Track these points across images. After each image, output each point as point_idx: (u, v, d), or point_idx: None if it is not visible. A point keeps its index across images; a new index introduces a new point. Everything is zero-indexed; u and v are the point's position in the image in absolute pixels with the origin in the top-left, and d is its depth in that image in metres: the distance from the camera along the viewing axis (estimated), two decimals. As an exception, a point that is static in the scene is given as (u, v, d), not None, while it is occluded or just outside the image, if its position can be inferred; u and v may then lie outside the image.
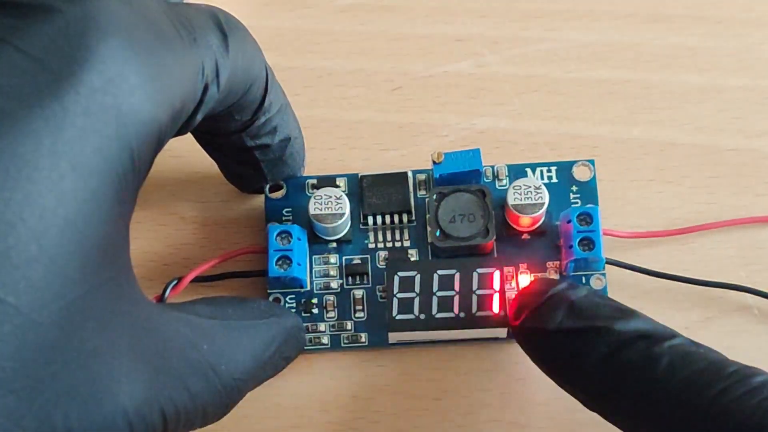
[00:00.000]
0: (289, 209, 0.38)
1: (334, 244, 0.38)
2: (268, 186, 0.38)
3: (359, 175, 0.38)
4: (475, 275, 0.36)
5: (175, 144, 0.32)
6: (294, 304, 0.37)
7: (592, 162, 0.38)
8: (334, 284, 0.37)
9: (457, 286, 0.35)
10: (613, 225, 0.38)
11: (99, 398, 0.25)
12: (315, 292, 0.37)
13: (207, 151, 0.36)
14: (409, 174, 0.38)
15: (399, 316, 0.35)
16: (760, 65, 0.41)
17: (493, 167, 0.39)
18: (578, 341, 0.31)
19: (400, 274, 0.36)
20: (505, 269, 0.37)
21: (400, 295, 0.35)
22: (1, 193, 0.23)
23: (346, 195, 0.37)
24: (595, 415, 0.31)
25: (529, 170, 0.39)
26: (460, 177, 0.37)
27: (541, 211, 0.36)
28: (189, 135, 0.33)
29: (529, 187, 0.36)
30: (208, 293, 0.37)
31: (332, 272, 0.37)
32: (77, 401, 0.25)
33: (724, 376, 0.28)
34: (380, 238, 0.38)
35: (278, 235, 0.36)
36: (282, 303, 0.37)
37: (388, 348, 0.37)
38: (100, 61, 0.25)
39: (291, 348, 0.34)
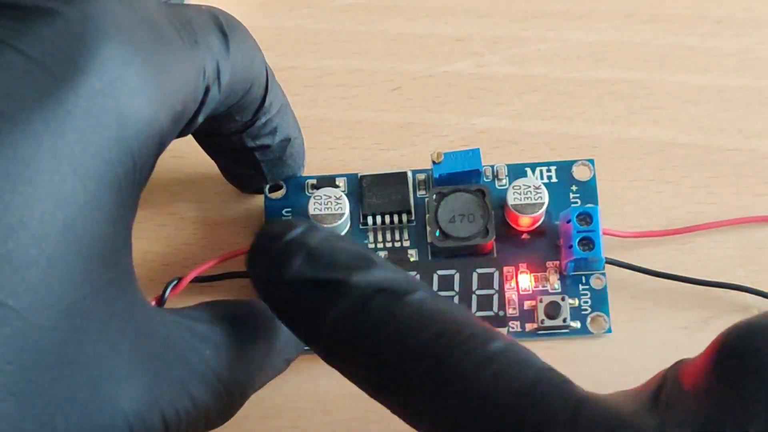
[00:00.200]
0: (289, 209, 0.38)
1: (334, 244, 0.38)
2: (267, 186, 0.38)
3: (359, 175, 0.38)
4: (474, 275, 0.36)
5: (175, 144, 0.32)
6: (294, 304, 0.37)
7: (591, 162, 0.38)
8: (334, 284, 0.37)
9: (456, 286, 0.35)
10: (613, 225, 0.38)
11: (99, 402, 0.25)
12: (315, 292, 0.37)
13: (207, 152, 0.36)
14: (409, 174, 0.38)
15: (399, 317, 0.35)
16: (760, 65, 0.41)
17: (492, 167, 0.38)
18: (315, 296, 0.28)
19: (400, 274, 0.36)
20: (505, 269, 0.37)
21: (399, 296, 0.35)
22: (1, 195, 0.23)
23: (346, 195, 0.37)
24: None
25: (528, 170, 0.39)
26: (459, 177, 0.37)
27: (540, 211, 0.36)
28: (189, 135, 0.33)
29: (529, 186, 0.36)
30: (208, 293, 0.37)
31: (332, 272, 0.37)
32: (77, 404, 0.25)
33: (459, 342, 0.27)
34: (380, 238, 0.38)
35: (278, 235, 0.36)
36: (282, 303, 0.37)
37: (387, 348, 0.37)
38: (101, 63, 0.25)
39: (291, 349, 0.34)
